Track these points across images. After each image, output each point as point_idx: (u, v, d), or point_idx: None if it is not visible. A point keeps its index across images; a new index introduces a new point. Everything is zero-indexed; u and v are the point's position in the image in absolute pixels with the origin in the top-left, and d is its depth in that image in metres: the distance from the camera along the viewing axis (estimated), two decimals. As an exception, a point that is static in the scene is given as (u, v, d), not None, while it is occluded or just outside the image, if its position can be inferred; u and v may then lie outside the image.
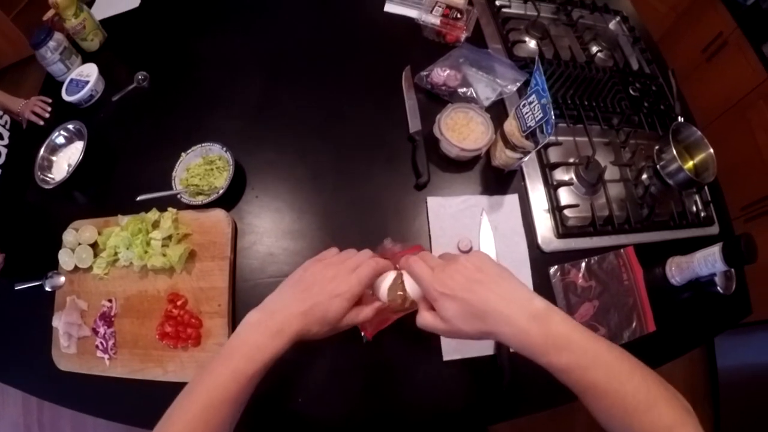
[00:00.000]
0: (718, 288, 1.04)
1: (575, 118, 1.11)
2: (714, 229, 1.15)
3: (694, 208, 1.15)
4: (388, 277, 0.60)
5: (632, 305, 0.99)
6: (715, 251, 0.95)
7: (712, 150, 1.11)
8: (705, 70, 2.21)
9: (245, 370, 0.52)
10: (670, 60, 2.30)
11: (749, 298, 1.15)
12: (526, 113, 0.85)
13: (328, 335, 0.57)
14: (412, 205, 0.93)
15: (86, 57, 1.24)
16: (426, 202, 0.93)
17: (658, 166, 1.09)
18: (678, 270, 1.04)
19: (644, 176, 1.12)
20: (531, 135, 0.85)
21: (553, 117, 0.78)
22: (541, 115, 0.80)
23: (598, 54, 1.28)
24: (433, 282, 0.54)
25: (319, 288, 0.56)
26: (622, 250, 1.02)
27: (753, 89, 1.92)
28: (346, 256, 0.61)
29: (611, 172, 1.08)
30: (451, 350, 0.82)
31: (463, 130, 0.95)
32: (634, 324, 0.97)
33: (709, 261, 0.97)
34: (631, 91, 1.22)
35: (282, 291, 0.59)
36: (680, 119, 1.19)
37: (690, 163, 1.15)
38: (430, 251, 0.88)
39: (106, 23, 1.29)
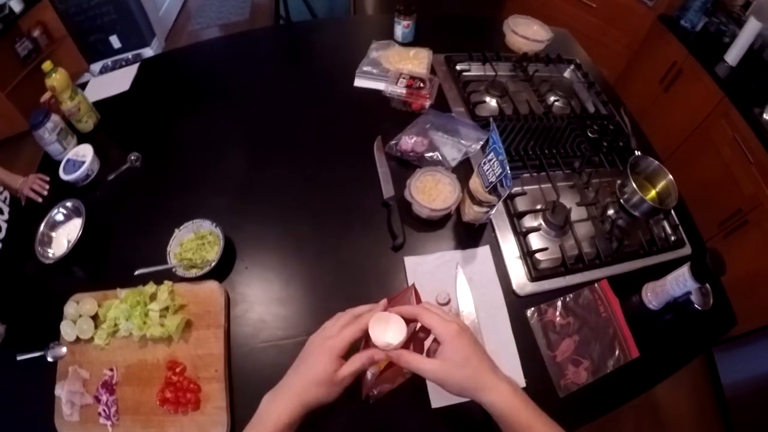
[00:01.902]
0: (696, 305, 1.08)
1: (538, 167, 1.20)
2: (686, 250, 1.20)
3: (663, 234, 1.22)
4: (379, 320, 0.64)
5: (612, 335, 1.04)
6: (684, 271, 0.99)
7: (671, 176, 1.17)
8: (665, 100, 2.34)
9: None
10: (631, 96, 2.45)
11: (732, 310, 1.19)
12: (487, 170, 0.93)
13: (337, 393, 0.61)
14: (390, 266, 0.99)
15: (81, 137, 1.31)
16: (404, 262, 0.99)
17: (621, 200, 1.16)
18: (653, 295, 1.09)
19: (610, 211, 1.19)
20: (493, 190, 0.93)
21: (509, 171, 0.85)
22: (500, 170, 0.87)
23: (556, 103, 1.38)
24: (450, 325, 0.61)
25: (312, 351, 0.63)
26: (596, 285, 1.08)
27: (712, 110, 2.03)
28: (339, 320, 0.66)
29: (578, 213, 1.15)
30: (439, 397, 0.86)
31: (432, 192, 1.03)
32: (617, 353, 1.02)
33: (680, 281, 1.01)
34: (589, 134, 1.31)
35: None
36: (637, 153, 1.28)
37: (653, 192, 1.22)
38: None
39: (99, 105, 1.38)
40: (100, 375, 0.90)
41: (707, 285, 1.11)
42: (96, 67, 3.34)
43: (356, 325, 0.63)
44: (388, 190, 1.08)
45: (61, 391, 0.88)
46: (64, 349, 0.93)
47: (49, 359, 0.92)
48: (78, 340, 0.93)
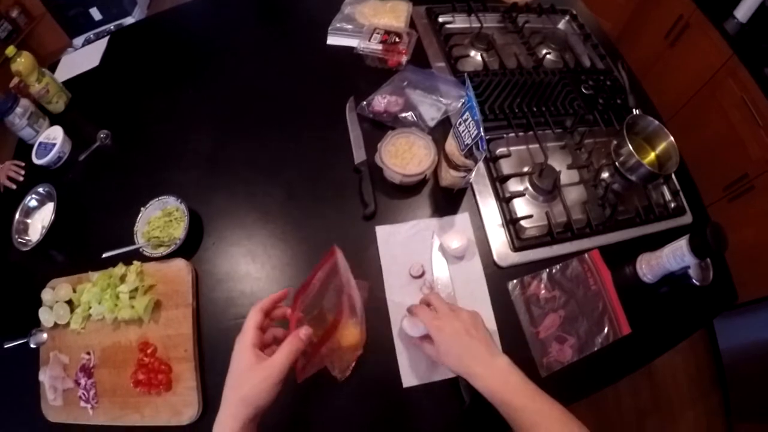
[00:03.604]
0: (694, 281, 1.01)
1: (525, 125, 1.10)
2: (687, 218, 1.13)
3: (662, 200, 1.13)
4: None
5: (602, 310, 0.96)
6: (682, 245, 0.92)
7: (672, 138, 1.09)
8: (670, 56, 2.20)
9: None
10: (634, 51, 2.30)
11: (733, 285, 1.12)
12: (463, 131, 0.84)
13: (274, 384, 0.56)
14: (362, 237, 0.93)
15: (53, 119, 1.28)
16: (375, 232, 0.93)
17: (617, 163, 1.08)
18: (648, 267, 1.01)
19: (604, 175, 1.11)
20: (470, 153, 0.85)
21: (484, 134, 0.77)
22: (476, 131, 0.79)
23: (548, 56, 1.27)
24: (433, 322, 0.72)
25: (232, 355, 0.61)
26: (586, 255, 1.00)
27: (720, 68, 1.89)
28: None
29: (568, 176, 1.07)
30: (410, 377, 0.82)
31: (405, 156, 0.95)
32: (606, 329, 0.95)
33: (677, 255, 0.94)
34: (583, 90, 1.21)
35: None
36: (635, 111, 1.17)
37: (652, 155, 1.13)
38: (382, 281, 0.88)
39: (70, 83, 1.34)
40: (79, 359, 0.91)
41: (708, 260, 1.03)
42: (79, 41, 3.24)
43: (253, 312, 0.63)
44: (359, 155, 1.00)
45: (44, 376, 0.90)
46: (45, 335, 0.95)
47: (32, 345, 0.94)
48: (56, 325, 0.94)
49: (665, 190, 1.15)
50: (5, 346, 0.94)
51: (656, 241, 1.01)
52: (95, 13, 3.23)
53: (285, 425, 0.79)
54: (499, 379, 0.64)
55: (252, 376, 0.55)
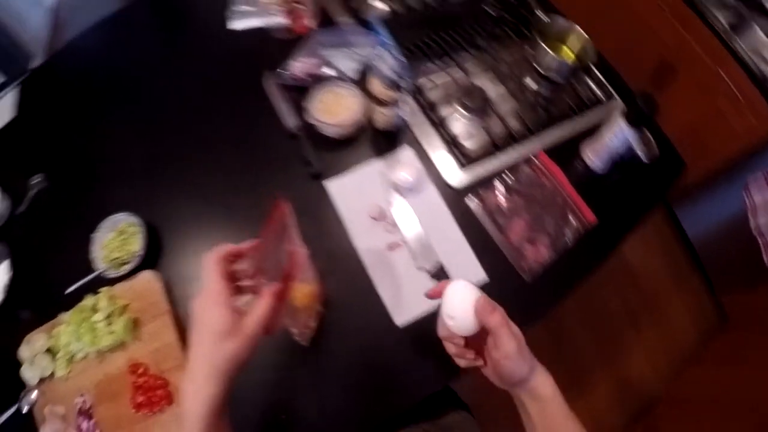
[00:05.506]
0: (641, 157, 1.06)
1: (441, 55, 1.12)
2: (618, 103, 1.18)
3: (590, 92, 1.17)
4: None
5: (563, 204, 0.99)
6: (618, 120, 0.96)
7: (584, 33, 1.13)
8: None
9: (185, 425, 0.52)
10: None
11: (677, 152, 1.18)
12: (382, 67, 0.87)
13: (248, 346, 0.52)
14: (317, 199, 0.93)
15: None
16: (326, 189, 0.93)
17: (537, 67, 1.11)
18: (594, 153, 1.05)
19: (530, 82, 1.14)
20: (394, 86, 0.87)
21: (403, 59, 0.82)
22: (394, 61, 0.83)
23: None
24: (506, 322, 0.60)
25: (197, 313, 0.55)
26: (532, 157, 1.02)
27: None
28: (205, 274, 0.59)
29: (496, 91, 1.10)
30: (401, 315, 0.83)
31: (335, 109, 0.96)
32: (572, 221, 0.98)
33: (617, 132, 0.98)
34: (492, 13, 1.23)
35: None
36: (544, 18, 1.21)
37: (568, 52, 1.17)
38: (346, 232, 0.89)
39: None
40: (74, 405, 0.87)
41: (647, 133, 1.09)
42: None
43: (212, 262, 0.55)
44: (291, 121, 1.00)
45: (46, 435, 0.86)
46: (34, 394, 0.90)
47: (24, 410, 0.88)
48: (42, 380, 0.89)
49: (590, 83, 1.20)
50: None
51: (595, 132, 1.05)
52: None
53: (300, 398, 0.80)
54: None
55: (234, 339, 0.50)
